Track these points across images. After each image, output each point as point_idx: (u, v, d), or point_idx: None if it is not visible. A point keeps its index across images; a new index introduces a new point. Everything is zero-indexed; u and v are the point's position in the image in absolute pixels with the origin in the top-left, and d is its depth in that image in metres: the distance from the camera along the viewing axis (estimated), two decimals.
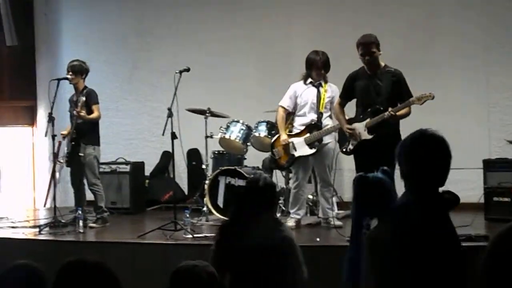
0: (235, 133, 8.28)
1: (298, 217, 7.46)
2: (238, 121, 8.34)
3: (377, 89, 6.57)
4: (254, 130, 8.25)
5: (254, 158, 8.58)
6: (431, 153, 3.07)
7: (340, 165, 8.95)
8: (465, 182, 8.61)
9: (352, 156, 6.85)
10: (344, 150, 6.88)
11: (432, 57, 8.91)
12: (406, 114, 6.49)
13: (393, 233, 3.01)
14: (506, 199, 7.48)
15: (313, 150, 7.31)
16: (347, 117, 6.86)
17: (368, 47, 6.52)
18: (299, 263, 4.22)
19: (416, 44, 8.95)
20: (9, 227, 8.05)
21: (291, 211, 7.52)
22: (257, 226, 4.19)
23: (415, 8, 9.15)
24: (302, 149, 7.37)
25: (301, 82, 7.49)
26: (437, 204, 3.08)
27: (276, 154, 7.58)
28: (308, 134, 7.36)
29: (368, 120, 6.57)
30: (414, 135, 3.14)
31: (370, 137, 6.54)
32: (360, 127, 6.63)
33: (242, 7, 9.97)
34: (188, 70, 7.69)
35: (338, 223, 7.25)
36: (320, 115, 7.38)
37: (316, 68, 7.33)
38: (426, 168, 3.05)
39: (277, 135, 7.66)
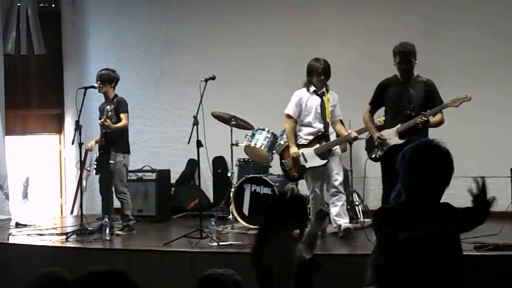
0: (260, 141, 8.27)
1: (324, 225, 7.40)
2: (263, 129, 8.33)
3: (409, 96, 6.58)
4: (279, 138, 8.24)
5: (279, 166, 8.55)
6: (432, 165, 3.04)
7: (365, 173, 8.95)
8: (493, 190, 8.45)
9: (378, 164, 6.84)
10: (373, 156, 6.85)
11: (459, 64, 8.83)
12: (439, 122, 6.48)
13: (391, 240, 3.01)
14: None
15: (325, 161, 7.24)
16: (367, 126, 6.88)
17: (407, 56, 6.56)
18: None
19: (444, 50, 8.89)
20: (36, 234, 8.12)
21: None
22: (274, 243, 4.18)
23: (445, 17, 9.08)
24: (313, 160, 7.30)
25: (304, 89, 7.41)
26: (435, 213, 3.04)
27: (286, 166, 7.51)
28: (318, 145, 7.29)
29: (399, 125, 6.55)
30: (418, 145, 3.13)
31: (401, 141, 6.49)
32: (391, 133, 6.61)
33: (268, 13, 9.96)
34: (213, 78, 7.71)
35: (347, 225, 7.18)
36: (326, 124, 7.33)
37: (316, 74, 7.25)
38: (425, 180, 3.03)
39: (284, 146, 7.61)
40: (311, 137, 7.35)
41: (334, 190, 7.22)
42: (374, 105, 6.90)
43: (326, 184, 7.37)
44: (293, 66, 9.07)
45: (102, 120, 7.83)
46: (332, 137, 7.39)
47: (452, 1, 9.10)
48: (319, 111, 7.31)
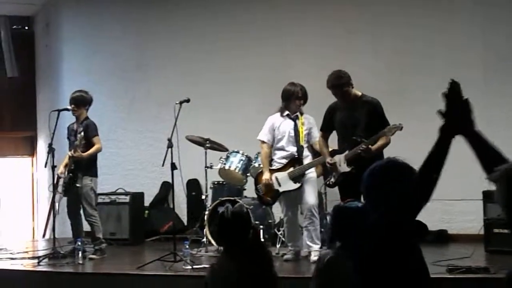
0: (234, 163, 8.28)
1: (297, 248, 7.41)
2: (238, 152, 8.35)
3: (353, 120, 6.63)
4: (254, 161, 8.25)
5: (253, 189, 8.56)
6: (395, 183, 3.03)
7: (332, 196, 9.00)
8: (465, 213, 8.62)
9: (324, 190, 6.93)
10: (327, 183, 6.93)
11: (428, 85, 8.90)
12: (384, 145, 6.49)
13: (358, 257, 3.04)
14: (506, 231, 7.44)
15: (298, 185, 7.23)
16: (331, 149, 6.90)
17: (334, 90, 6.68)
18: None
19: (412, 69, 8.99)
20: (8, 258, 8.00)
21: (289, 244, 7.47)
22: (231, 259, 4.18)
23: (413, 26, 9.17)
24: (286, 184, 7.29)
25: (278, 114, 7.42)
26: (403, 232, 3.02)
27: (260, 190, 7.48)
28: (291, 169, 7.29)
29: (346, 152, 6.61)
30: (375, 167, 3.13)
31: (348, 169, 6.57)
32: (341, 159, 6.68)
33: (241, 37, 10.02)
34: (188, 101, 7.73)
35: (315, 258, 7.14)
36: (301, 148, 7.32)
37: (296, 99, 7.26)
38: (390, 198, 2.99)
39: (259, 171, 7.61)
40: (284, 161, 7.35)
41: (308, 213, 7.21)
42: (325, 130, 6.95)
43: (301, 207, 7.37)
44: (267, 89, 9.11)
45: (70, 153, 7.81)
46: (307, 160, 7.39)
47: (420, 21, 9.20)
48: (292, 134, 7.33)
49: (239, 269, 4.03)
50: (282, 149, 7.37)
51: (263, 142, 7.42)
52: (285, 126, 7.35)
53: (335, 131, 6.93)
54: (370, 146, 6.38)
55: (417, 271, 3.08)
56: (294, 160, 7.32)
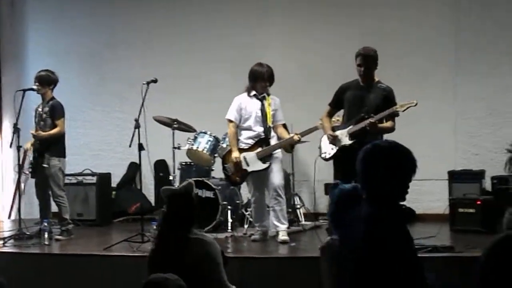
0: (202, 144, 8.27)
1: (265, 229, 7.43)
2: (205, 132, 8.33)
3: (366, 100, 6.65)
4: (221, 141, 8.25)
5: (221, 169, 8.56)
6: (386, 163, 3.09)
7: (308, 176, 9.05)
8: (430, 193, 8.72)
9: (320, 167, 6.92)
10: (323, 156, 6.91)
11: (400, 67, 8.97)
12: (390, 128, 6.56)
13: (350, 243, 3.10)
14: (471, 210, 7.56)
15: (267, 165, 7.24)
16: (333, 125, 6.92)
17: (366, 59, 6.65)
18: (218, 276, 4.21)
19: (384, 54, 9.03)
20: None
21: (256, 225, 7.49)
22: (180, 241, 4.17)
23: (384, 18, 9.22)
24: (255, 164, 7.29)
25: (245, 94, 7.42)
26: (394, 216, 3.09)
27: (229, 170, 7.46)
28: (260, 149, 7.29)
29: (351, 126, 6.63)
30: (371, 146, 3.17)
31: (349, 142, 6.59)
32: (343, 133, 6.69)
33: (213, 17, 9.97)
34: (155, 81, 7.68)
35: (284, 237, 7.18)
36: (267, 128, 7.33)
37: (262, 80, 7.27)
38: (382, 182, 3.06)
39: (227, 150, 7.60)
40: (251, 141, 7.35)
41: (274, 193, 7.23)
42: (333, 106, 6.95)
43: (267, 187, 7.39)
44: (236, 70, 9.09)
45: (32, 131, 7.76)
46: (273, 141, 7.39)
47: (399, 1, 9.26)
48: (259, 115, 7.32)
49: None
50: (249, 129, 7.37)
51: (230, 121, 7.41)
52: (252, 106, 7.35)
53: (343, 110, 6.93)
54: (377, 122, 6.44)
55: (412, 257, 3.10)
56: (262, 141, 7.32)
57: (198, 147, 8.25)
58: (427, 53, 9.08)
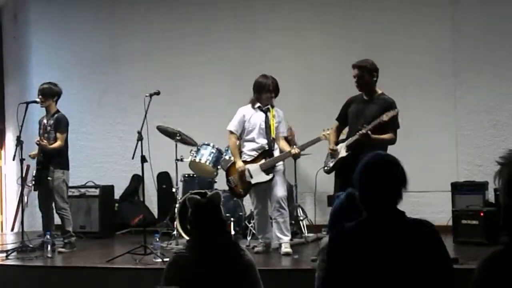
0: (205, 156, 8.27)
1: (268, 241, 7.42)
2: (208, 144, 8.33)
3: (364, 114, 6.61)
4: (224, 153, 8.25)
5: (224, 181, 8.56)
6: (379, 177, 3.13)
7: (311, 188, 9.05)
8: (433, 205, 8.71)
9: (322, 179, 6.92)
10: (325, 168, 6.90)
11: (400, 79, 8.98)
12: (388, 140, 6.49)
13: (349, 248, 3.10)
14: (474, 222, 7.54)
15: (270, 176, 7.24)
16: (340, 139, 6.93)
17: (359, 69, 6.63)
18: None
19: (383, 65, 9.04)
20: None
21: (259, 236, 7.48)
22: (212, 251, 4.01)
23: (383, 30, 9.24)
24: (258, 176, 7.28)
25: (249, 106, 7.42)
26: (392, 222, 3.12)
27: (232, 182, 7.45)
28: (263, 161, 7.29)
29: (350, 139, 6.64)
30: (366, 159, 3.21)
31: (345, 154, 6.59)
32: (342, 146, 6.69)
33: (213, 30, 10.01)
34: (158, 93, 7.69)
35: (287, 250, 7.15)
36: (271, 140, 7.33)
37: (267, 91, 7.27)
38: (374, 191, 3.12)
39: (230, 163, 7.58)
40: (254, 153, 7.35)
41: (277, 205, 7.22)
42: (340, 121, 6.93)
43: (270, 199, 7.38)
44: (237, 83, 9.13)
45: (37, 140, 7.78)
46: (277, 153, 7.40)
47: (397, 14, 9.28)
48: (263, 127, 7.33)
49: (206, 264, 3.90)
50: (252, 140, 7.37)
51: (231, 132, 7.41)
52: (256, 118, 7.35)
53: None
54: (369, 132, 6.38)
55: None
56: (265, 152, 7.32)
57: (201, 159, 8.25)
58: (427, 65, 9.09)
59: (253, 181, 7.31)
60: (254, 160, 7.33)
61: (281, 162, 7.38)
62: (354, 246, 3.08)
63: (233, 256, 3.98)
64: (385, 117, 6.37)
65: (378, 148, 6.30)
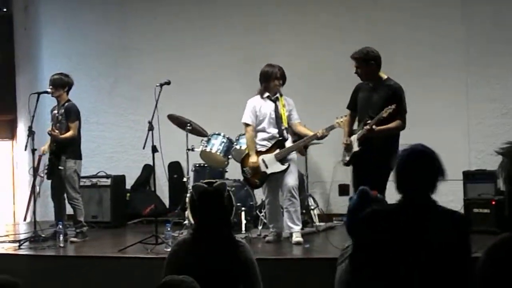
0: (216, 146, 8.28)
1: (279, 230, 7.43)
2: (219, 134, 8.34)
3: (372, 102, 6.58)
4: (235, 143, 8.25)
5: (235, 171, 8.57)
6: (417, 167, 3.39)
7: (322, 177, 9.06)
8: (445, 193, 8.61)
9: (334, 169, 6.92)
10: (342, 161, 6.89)
11: (413, 68, 8.95)
12: (395, 128, 6.45)
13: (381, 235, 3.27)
14: (486, 211, 7.52)
15: (285, 166, 7.22)
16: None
17: (356, 61, 6.63)
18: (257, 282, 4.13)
19: (396, 55, 9.01)
20: None
21: (270, 225, 7.49)
22: (212, 244, 4.01)
23: (396, 20, 9.20)
24: (274, 166, 7.27)
25: (258, 96, 7.40)
26: (422, 209, 3.37)
27: (248, 173, 7.44)
28: (277, 150, 7.28)
29: (359, 132, 6.60)
30: (404, 151, 3.47)
31: (357, 149, 6.56)
32: (354, 139, 6.66)
33: (223, 21, 10.01)
34: (169, 83, 7.69)
35: (298, 239, 7.15)
36: (282, 129, 7.31)
37: (275, 79, 7.26)
38: (410, 180, 3.39)
39: (245, 153, 7.56)
40: (266, 143, 7.34)
41: (288, 194, 7.21)
42: (350, 108, 6.89)
43: (281, 188, 7.38)
44: (248, 72, 9.09)
45: (49, 129, 7.81)
46: (289, 142, 7.38)
47: (408, 4, 9.23)
48: (273, 116, 7.32)
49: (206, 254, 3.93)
50: (263, 130, 7.36)
51: (247, 125, 7.39)
52: (266, 108, 7.34)
53: None
54: (374, 126, 6.36)
55: None
56: (279, 142, 7.31)
57: (211, 149, 8.26)
58: (439, 55, 9.05)
59: (268, 171, 7.29)
60: (268, 150, 7.31)
61: (293, 152, 7.37)
62: (383, 227, 3.28)
63: (232, 249, 4.00)
64: (384, 113, 6.34)
65: (389, 137, 6.32)
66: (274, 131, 7.32)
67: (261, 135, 7.38)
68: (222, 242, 4.01)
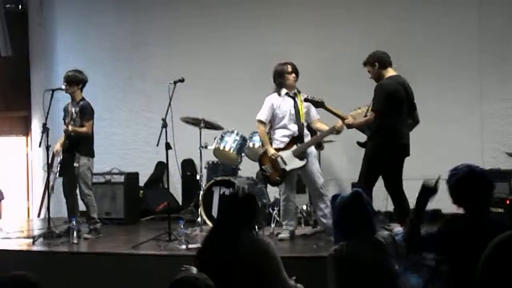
0: (229, 143, 8.28)
1: (291, 228, 7.43)
2: (232, 131, 8.34)
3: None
4: (248, 141, 8.25)
5: (248, 169, 8.58)
6: (476, 188, 4.02)
7: (333, 175, 9.04)
8: None
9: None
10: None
11: (427, 67, 8.93)
12: (364, 122, 6.70)
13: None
14: (499, 210, 7.48)
15: (304, 162, 7.23)
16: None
17: (364, 66, 6.80)
18: (280, 274, 4.22)
19: (410, 54, 8.99)
20: (3, 238, 8.03)
21: (284, 223, 7.48)
22: (237, 239, 4.15)
23: (411, 20, 9.17)
24: (292, 162, 7.27)
25: (275, 94, 7.41)
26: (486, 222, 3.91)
27: (267, 171, 7.44)
28: (295, 146, 7.29)
29: None
30: (463, 172, 4.11)
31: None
32: None
33: (238, 17, 10.01)
34: (182, 80, 7.70)
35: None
36: (302, 126, 7.32)
37: (287, 73, 7.29)
38: (471, 200, 4.01)
39: (262, 152, 7.55)
40: (286, 139, 7.33)
41: (317, 193, 7.25)
42: None
43: (308, 187, 7.38)
44: (262, 70, 9.08)
45: (65, 127, 7.86)
46: (306, 138, 7.38)
47: (423, 4, 9.20)
48: (293, 113, 7.31)
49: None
50: (284, 127, 7.35)
51: (260, 121, 7.40)
52: (286, 105, 7.34)
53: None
54: (350, 122, 6.75)
55: None
56: (296, 138, 7.30)
57: (225, 146, 8.27)
58: (453, 54, 9.03)
59: (287, 168, 7.29)
60: (285, 147, 7.32)
61: (312, 147, 7.37)
62: (458, 235, 3.87)
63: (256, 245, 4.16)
64: (354, 111, 6.80)
65: (365, 128, 6.69)
66: (294, 127, 7.32)
67: (282, 132, 7.37)
68: (246, 238, 4.16)
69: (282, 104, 7.35)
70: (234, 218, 4.25)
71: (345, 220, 4.03)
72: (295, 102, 7.35)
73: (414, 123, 6.80)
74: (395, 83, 6.63)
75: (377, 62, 6.71)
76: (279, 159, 7.28)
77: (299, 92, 7.41)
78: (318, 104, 7.00)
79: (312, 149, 7.40)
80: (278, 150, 7.33)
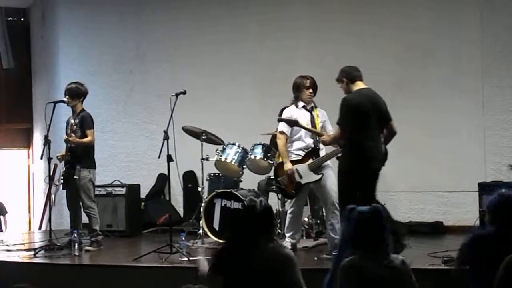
0: (231, 155, 8.27)
1: (294, 241, 7.39)
2: (234, 144, 8.33)
3: None
4: (250, 153, 8.23)
5: (250, 181, 8.57)
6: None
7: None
8: (460, 205, 8.65)
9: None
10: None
11: (428, 79, 8.94)
12: (332, 138, 6.86)
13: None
14: None
15: (319, 176, 7.15)
16: None
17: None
18: (300, 283, 4.22)
19: (412, 65, 9.00)
20: (4, 250, 8.01)
21: (287, 234, 7.44)
22: (256, 251, 4.15)
23: (412, 29, 9.19)
24: (308, 176, 7.20)
25: (293, 106, 7.39)
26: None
27: (282, 183, 7.38)
28: (311, 160, 7.24)
29: None
30: (500, 197, 4.43)
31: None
32: None
33: (240, 30, 10.01)
34: (184, 93, 7.71)
35: None
36: (318, 139, 7.32)
37: (305, 88, 7.26)
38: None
39: (278, 163, 7.53)
40: (301, 152, 7.28)
41: (332, 207, 7.14)
42: None
43: (322, 201, 7.37)
44: (264, 82, 9.12)
45: (66, 137, 7.84)
46: (322, 152, 7.35)
47: (425, 12, 9.22)
48: (309, 125, 7.31)
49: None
50: (299, 139, 7.32)
51: (282, 133, 7.33)
52: (303, 117, 7.28)
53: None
54: (324, 139, 7.00)
55: None
56: (312, 152, 7.26)
57: (226, 158, 8.26)
58: (454, 65, 9.03)
59: (303, 181, 7.21)
60: (302, 160, 7.27)
61: (329, 161, 7.33)
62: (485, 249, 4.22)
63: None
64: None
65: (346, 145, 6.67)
66: (310, 141, 7.28)
67: (297, 145, 7.34)
68: (267, 249, 4.20)
69: (300, 117, 7.26)
70: (253, 230, 4.23)
71: (361, 233, 4.01)
72: (312, 115, 7.34)
73: (390, 135, 6.65)
74: (359, 96, 6.57)
75: (345, 77, 6.71)
76: (295, 171, 7.24)
77: (315, 106, 7.40)
78: (292, 123, 7.10)
79: (328, 162, 7.36)
80: (293, 162, 7.29)
